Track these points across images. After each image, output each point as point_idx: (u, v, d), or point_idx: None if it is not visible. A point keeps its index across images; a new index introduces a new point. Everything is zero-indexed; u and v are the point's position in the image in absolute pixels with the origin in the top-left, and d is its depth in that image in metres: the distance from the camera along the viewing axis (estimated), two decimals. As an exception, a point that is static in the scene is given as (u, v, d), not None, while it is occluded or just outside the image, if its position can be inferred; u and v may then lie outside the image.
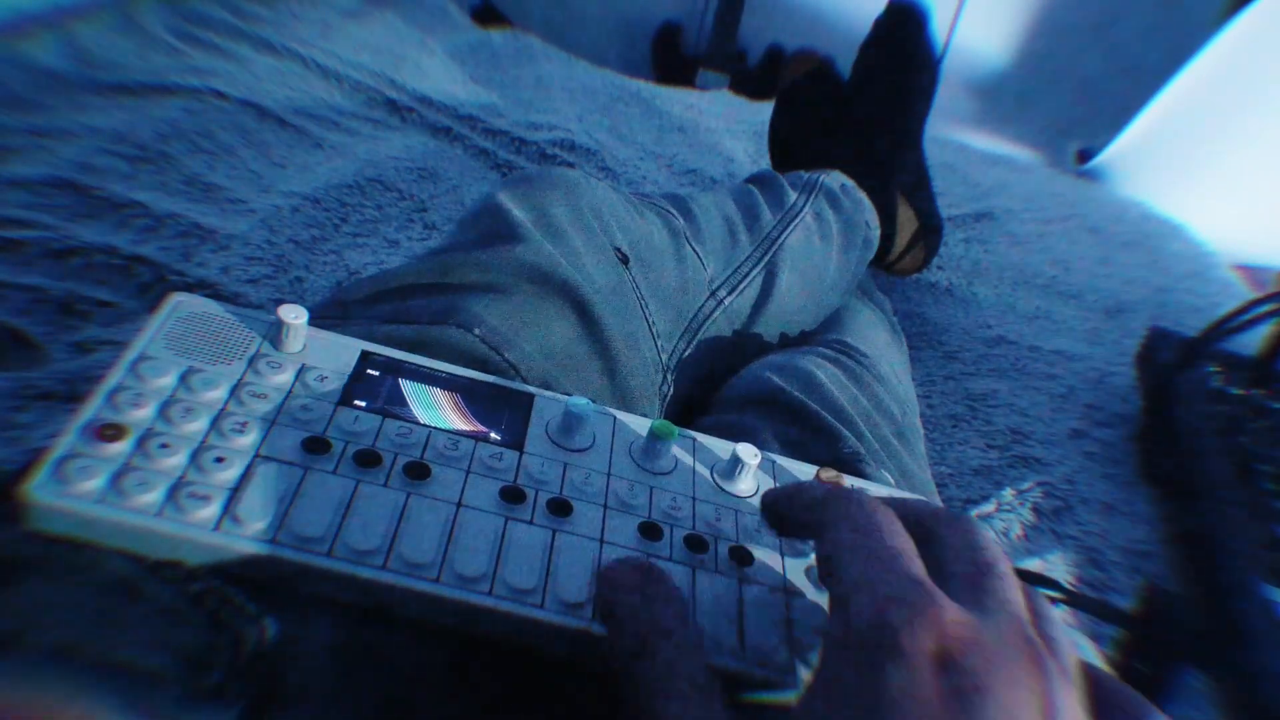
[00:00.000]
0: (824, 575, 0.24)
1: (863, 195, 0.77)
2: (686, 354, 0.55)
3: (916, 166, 0.84)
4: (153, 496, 0.26)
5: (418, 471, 0.29)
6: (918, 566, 0.23)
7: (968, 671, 0.20)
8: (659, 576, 0.27)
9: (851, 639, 0.21)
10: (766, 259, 0.63)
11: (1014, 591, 0.23)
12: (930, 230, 0.84)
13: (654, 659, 0.24)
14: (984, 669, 0.20)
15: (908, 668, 0.20)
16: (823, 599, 0.31)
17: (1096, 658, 0.53)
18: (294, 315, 0.32)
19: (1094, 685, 0.24)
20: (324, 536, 0.26)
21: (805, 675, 0.28)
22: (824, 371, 0.53)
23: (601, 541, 0.30)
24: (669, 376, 0.53)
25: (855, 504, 0.25)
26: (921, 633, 0.20)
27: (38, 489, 0.24)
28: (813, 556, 0.32)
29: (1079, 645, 0.53)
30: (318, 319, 0.38)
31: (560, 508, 0.30)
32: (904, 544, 0.24)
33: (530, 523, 0.30)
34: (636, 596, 0.26)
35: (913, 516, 0.26)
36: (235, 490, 0.27)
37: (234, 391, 0.30)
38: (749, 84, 1.76)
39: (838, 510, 0.25)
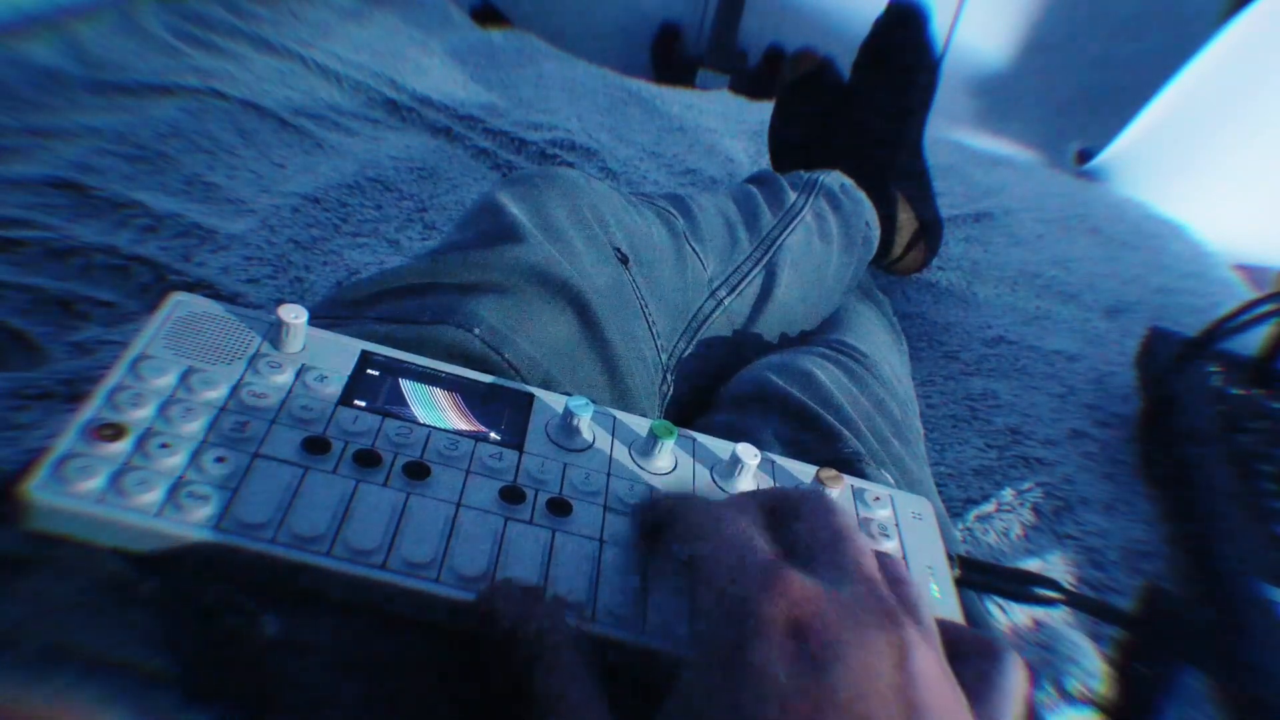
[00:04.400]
0: (685, 568, 0.26)
1: (862, 195, 0.77)
2: (686, 354, 0.55)
3: (916, 166, 0.84)
4: (152, 496, 0.26)
5: (417, 471, 0.29)
6: (765, 546, 0.25)
7: (819, 634, 0.21)
8: (537, 595, 0.26)
9: (713, 621, 0.23)
10: (766, 259, 0.63)
11: (866, 557, 0.25)
12: (930, 230, 0.84)
13: (539, 672, 0.24)
14: (835, 630, 0.22)
15: (765, 638, 0.21)
16: None
17: (1096, 658, 0.53)
18: (294, 315, 0.32)
19: (954, 639, 0.25)
20: (323, 536, 0.26)
21: None
22: (824, 371, 0.53)
23: (601, 541, 0.30)
24: (669, 376, 0.53)
25: (703, 502, 0.28)
26: (773, 605, 0.22)
27: (38, 489, 0.24)
28: None
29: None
30: (318, 319, 0.38)
31: (560, 507, 0.30)
32: (751, 530, 0.25)
33: (530, 523, 0.30)
34: (517, 619, 0.25)
35: (770, 503, 0.28)
36: (235, 490, 0.27)
37: (234, 391, 0.30)
38: (749, 84, 1.76)
39: (689, 512, 0.27)
